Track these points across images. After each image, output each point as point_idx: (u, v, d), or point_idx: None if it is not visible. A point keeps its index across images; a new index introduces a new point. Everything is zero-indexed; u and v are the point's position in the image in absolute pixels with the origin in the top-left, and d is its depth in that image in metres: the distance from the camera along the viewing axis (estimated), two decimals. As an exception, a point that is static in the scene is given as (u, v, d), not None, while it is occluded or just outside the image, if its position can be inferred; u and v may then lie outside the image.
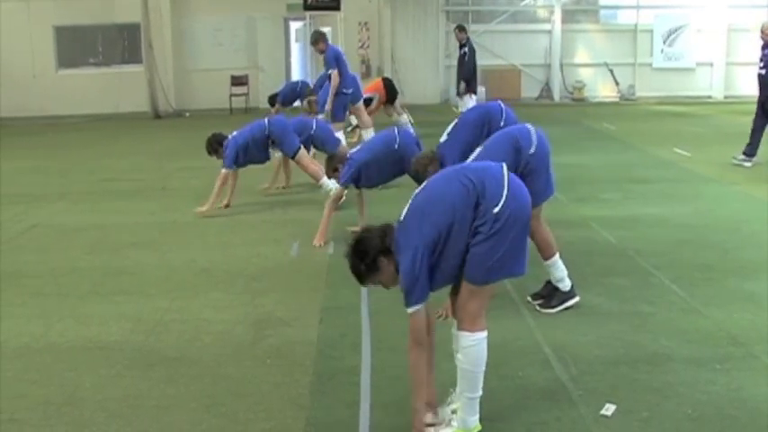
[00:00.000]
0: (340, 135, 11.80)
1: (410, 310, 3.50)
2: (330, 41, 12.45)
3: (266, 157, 9.18)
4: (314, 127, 9.41)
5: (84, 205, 9.56)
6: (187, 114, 20.84)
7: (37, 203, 9.69)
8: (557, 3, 22.29)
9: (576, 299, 5.46)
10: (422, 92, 21.58)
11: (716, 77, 22.03)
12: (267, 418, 3.96)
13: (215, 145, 8.92)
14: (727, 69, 21.77)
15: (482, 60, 22.47)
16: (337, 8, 20.41)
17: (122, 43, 22.65)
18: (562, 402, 4.03)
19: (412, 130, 12.06)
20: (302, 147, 8.99)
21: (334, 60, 11.63)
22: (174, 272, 6.63)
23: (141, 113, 20.52)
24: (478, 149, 5.43)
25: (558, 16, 22.35)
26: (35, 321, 5.49)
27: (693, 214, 8.17)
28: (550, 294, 5.45)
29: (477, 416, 3.66)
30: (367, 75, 21.32)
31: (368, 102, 13.76)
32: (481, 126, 6.44)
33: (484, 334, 3.60)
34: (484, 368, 3.62)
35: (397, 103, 14.40)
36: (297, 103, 15.17)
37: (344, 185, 7.39)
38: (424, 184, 3.81)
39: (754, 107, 11.23)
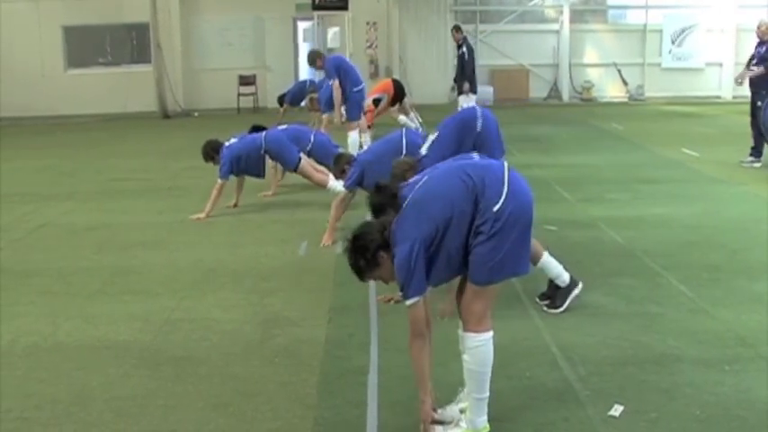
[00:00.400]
0: (355, 134, 11.82)
1: (408, 302, 3.50)
2: (338, 42, 12.59)
3: (260, 174, 9.10)
4: (311, 141, 9.33)
5: (93, 205, 9.58)
6: (195, 114, 20.89)
7: (45, 203, 9.72)
8: (565, 2, 22.27)
9: (579, 286, 5.41)
10: (430, 92, 21.56)
11: (725, 78, 21.96)
12: (274, 417, 3.96)
13: (211, 152, 8.91)
14: (737, 69, 21.51)
15: (490, 60, 22.64)
16: (345, 8, 20.44)
17: (131, 43, 22.73)
18: (570, 403, 4.03)
19: (420, 132, 12.07)
20: (301, 157, 8.94)
21: (335, 71, 11.61)
22: (182, 271, 6.64)
23: (150, 113, 20.58)
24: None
25: (566, 16, 22.33)
26: (43, 320, 5.51)
27: (702, 215, 8.15)
28: (554, 294, 5.44)
29: (486, 416, 3.66)
30: (375, 75, 21.36)
31: (377, 102, 13.78)
32: (458, 138, 6.42)
33: (490, 334, 3.59)
34: (491, 368, 3.61)
35: (406, 103, 14.40)
36: (305, 103, 15.19)
37: (349, 189, 7.35)
38: (423, 178, 3.74)
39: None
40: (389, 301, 5.44)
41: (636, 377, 4.31)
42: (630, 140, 13.96)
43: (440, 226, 3.47)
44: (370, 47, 22.27)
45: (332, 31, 21.60)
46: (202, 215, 8.51)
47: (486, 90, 22.12)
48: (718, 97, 21.87)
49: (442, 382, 3.97)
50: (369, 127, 13.48)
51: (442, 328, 4.01)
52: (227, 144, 8.87)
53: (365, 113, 13.57)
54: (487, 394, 3.63)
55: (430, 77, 22.04)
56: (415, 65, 22.04)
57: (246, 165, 8.88)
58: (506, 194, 3.47)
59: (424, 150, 6.41)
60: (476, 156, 4.13)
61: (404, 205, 3.62)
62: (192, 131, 17.13)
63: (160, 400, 4.19)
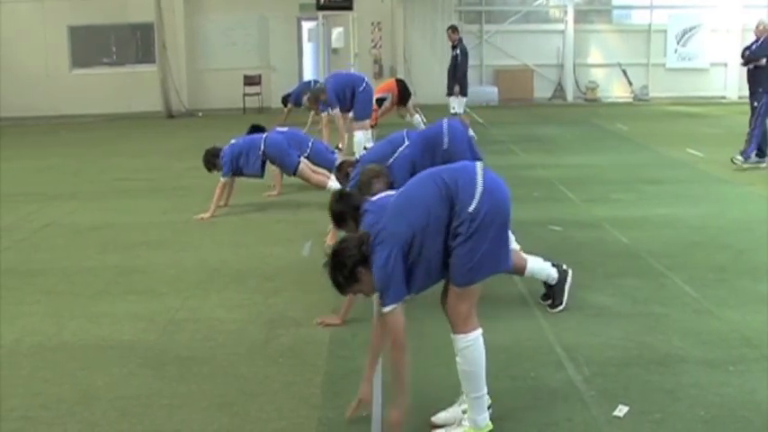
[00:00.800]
0: (361, 134, 11.82)
1: (386, 309, 3.49)
2: (342, 42, 12.60)
3: (259, 174, 9.08)
4: (309, 147, 9.32)
5: (97, 204, 9.59)
6: (200, 114, 20.91)
7: (49, 203, 9.73)
8: (570, 3, 22.26)
9: (570, 273, 5.39)
10: (434, 92, 21.48)
11: (730, 78, 21.93)
12: (279, 417, 3.96)
13: (211, 159, 8.91)
14: (742, 70, 21.58)
15: (495, 60, 22.64)
16: (350, 8, 20.43)
17: (136, 43, 22.78)
18: (574, 403, 4.02)
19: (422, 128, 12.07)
20: (301, 160, 8.95)
21: (336, 98, 11.70)
22: (187, 271, 6.65)
23: (154, 113, 20.60)
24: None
25: (570, 16, 22.31)
26: (48, 320, 5.52)
27: (706, 215, 8.14)
28: (551, 293, 5.43)
29: (486, 414, 3.66)
30: (379, 75, 21.36)
31: (380, 102, 13.78)
32: (424, 150, 6.46)
33: (478, 332, 3.59)
34: (484, 366, 3.61)
35: (410, 103, 14.40)
36: (305, 102, 15.14)
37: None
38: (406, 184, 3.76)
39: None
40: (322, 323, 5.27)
41: (640, 378, 4.30)
42: (635, 141, 13.94)
43: (417, 233, 3.47)
44: (374, 47, 22.27)
45: (336, 31, 21.62)
46: (206, 215, 8.52)
47: (490, 90, 22.16)
48: (723, 97, 21.84)
49: (443, 383, 3.97)
50: (372, 127, 13.48)
51: (442, 328, 3.99)
52: (228, 145, 8.87)
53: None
54: (484, 391, 3.63)
55: (434, 78, 21.94)
56: (420, 65, 22.02)
57: (245, 163, 8.86)
58: (481, 194, 3.47)
59: (391, 159, 6.42)
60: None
61: (376, 217, 3.65)
62: (196, 131, 17.16)
63: (164, 400, 4.20)
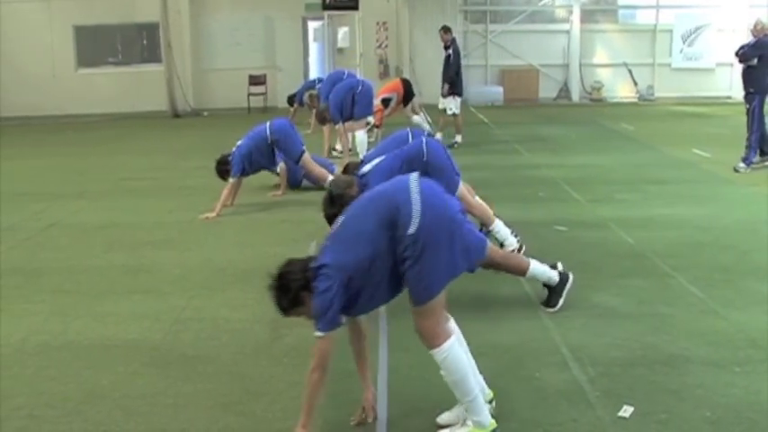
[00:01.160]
0: (362, 133, 11.86)
1: (317, 333, 3.53)
2: (348, 42, 12.62)
3: (273, 163, 9.15)
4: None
5: (103, 204, 9.61)
6: (205, 114, 20.93)
7: (56, 202, 9.75)
8: (575, 2, 22.21)
9: (570, 278, 5.40)
10: (439, 92, 21.52)
11: (736, 78, 21.72)
12: (283, 417, 3.97)
13: (223, 167, 8.93)
14: (746, 70, 21.62)
15: (500, 60, 22.62)
16: (355, 8, 20.43)
17: (141, 43, 22.80)
18: (579, 404, 4.02)
19: (428, 130, 12.08)
20: (305, 149, 9.00)
21: (339, 114, 11.84)
22: (192, 271, 6.65)
23: (160, 113, 20.62)
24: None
25: (576, 16, 22.27)
26: (54, 319, 5.53)
27: (712, 216, 8.12)
28: (549, 293, 5.43)
29: (487, 411, 3.65)
30: (385, 75, 21.35)
31: (386, 102, 13.78)
32: (401, 163, 6.34)
33: (451, 341, 3.58)
34: (468, 369, 3.60)
35: (415, 102, 14.40)
36: (305, 101, 15.13)
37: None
38: (346, 211, 3.76)
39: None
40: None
41: (646, 378, 4.29)
42: (640, 141, 13.92)
43: (363, 264, 3.48)
44: (379, 47, 22.26)
45: (342, 31, 21.62)
46: (212, 214, 8.53)
47: (495, 90, 22.14)
48: (729, 98, 21.75)
49: (446, 384, 3.96)
50: (377, 127, 13.49)
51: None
52: (235, 147, 8.89)
53: (375, 113, 13.59)
54: (476, 392, 3.61)
55: (439, 78, 21.96)
56: (425, 65, 21.97)
57: (258, 158, 8.90)
58: (420, 213, 3.44)
59: (366, 168, 6.39)
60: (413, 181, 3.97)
61: (328, 238, 3.65)
62: (201, 131, 17.19)
63: (169, 399, 4.21)
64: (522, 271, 5.37)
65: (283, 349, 4.87)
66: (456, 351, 3.58)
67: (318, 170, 8.97)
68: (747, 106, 10.92)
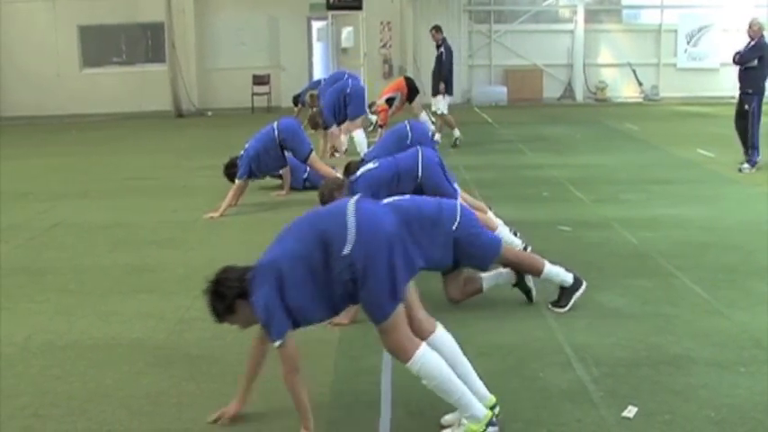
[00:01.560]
0: (360, 132, 11.87)
1: (275, 343, 3.55)
2: (352, 41, 12.60)
3: (283, 164, 9.16)
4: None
5: (107, 203, 9.63)
6: (209, 113, 20.95)
7: (60, 201, 9.77)
8: (579, 2, 22.20)
9: (584, 285, 5.40)
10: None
11: (739, 78, 21.81)
12: (288, 416, 3.96)
13: (232, 169, 8.95)
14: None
15: (504, 60, 22.62)
16: (359, 8, 20.42)
17: (146, 42, 22.84)
18: (583, 404, 4.01)
19: (428, 126, 12.08)
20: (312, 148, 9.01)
21: (333, 117, 11.87)
22: (196, 270, 6.62)
23: (164, 112, 20.65)
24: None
25: (580, 16, 22.26)
26: (58, 318, 5.54)
27: (716, 216, 8.11)
28: (560, 294, 5.42)
29: (479, 404, 3.61)
30: (389, 74, 21.36)
31: (390, 101, 13.79)
32: (392, 177, 6.33)
33: (421, 350, 3.55)
34: (446, 369, 3.57)
35: (417, 101, 14.39)
36: (305, 100, 15.13)
37: None
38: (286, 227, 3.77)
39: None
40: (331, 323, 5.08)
41: (650, 378, 4.29)
42: (645, 141, 13.91)
43: (291, 262, 3.51)
44: (383, 46, 22.27)
45: (346, 31, 21.61)
46: (216, 214, 8.53)
47: (499, 90, 22.13)
48: (734, 98, 21.64)
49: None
50: (381, 126, 13.48)
51: (448, 328, 3.99)
52: (243, 150, 8.88)
53: (377, 112, 13.59)
54: (463, 390, 3.58)
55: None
56: (429, 65, 21.92)
57: (266, 159, 8.89)
58: (355, 234, 3.44)
59: (360, 171, 6.38)
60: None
61: (267, 249, 3.67)
62: (205, 131, 17.21)
63: (173, 399, 4.21)
64: (537, 271, 5.37)
65: (287, 349, 4.86)
66: (429, 357, 3.56)
67: (326, 169, 8.96)
68: (746, 107, 10.92)
